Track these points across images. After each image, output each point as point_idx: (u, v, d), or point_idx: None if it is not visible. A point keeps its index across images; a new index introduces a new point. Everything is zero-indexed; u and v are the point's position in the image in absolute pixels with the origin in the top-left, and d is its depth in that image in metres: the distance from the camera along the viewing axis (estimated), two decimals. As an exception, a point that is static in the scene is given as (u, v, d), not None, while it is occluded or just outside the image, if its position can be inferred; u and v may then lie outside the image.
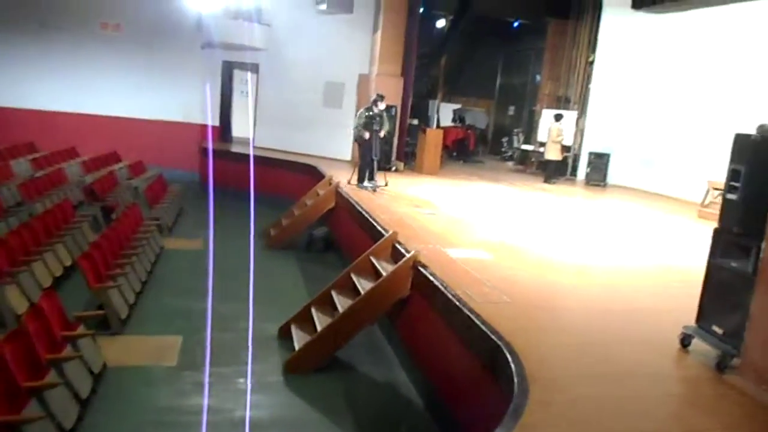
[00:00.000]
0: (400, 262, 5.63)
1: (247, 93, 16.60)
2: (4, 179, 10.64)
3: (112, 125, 15.85)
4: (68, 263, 7.31)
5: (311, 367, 5.57)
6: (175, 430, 4.55)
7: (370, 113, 10.41)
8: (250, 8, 14.51)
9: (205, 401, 4.95)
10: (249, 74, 16.48)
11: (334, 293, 6.19)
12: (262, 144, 15.57)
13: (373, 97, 10.75)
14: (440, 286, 4.88)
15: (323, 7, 14.13)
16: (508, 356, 3.62)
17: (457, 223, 8.22)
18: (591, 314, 4.82)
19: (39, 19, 15.04)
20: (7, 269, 6.08)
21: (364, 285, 5.94)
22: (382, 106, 10.59)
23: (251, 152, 14.91)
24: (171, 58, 15.75)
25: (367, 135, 10.34)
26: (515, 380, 3.37)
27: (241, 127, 16.98)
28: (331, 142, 14.79)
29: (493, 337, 3.89)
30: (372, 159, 10.48)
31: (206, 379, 5.22)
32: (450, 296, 4.64)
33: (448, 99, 21.28)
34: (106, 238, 7.31)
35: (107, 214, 10.15)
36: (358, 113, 10.85)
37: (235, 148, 15.57)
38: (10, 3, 14.81)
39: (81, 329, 5.02)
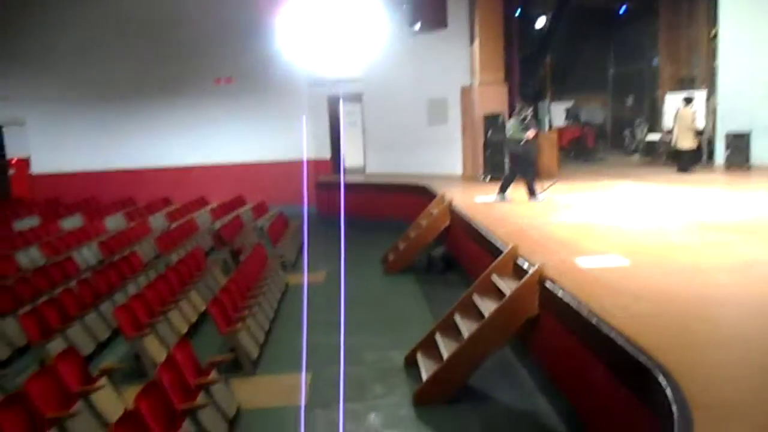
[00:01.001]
0: (524, 279, 5.22)
1: (353, 123, 16.90)
2: (143, 234, 11.53)
3: (234, 171, 16.84)
4: (202, 309, 7.65)
5: (441, 397, 5.29)
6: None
7: (522, 117, 9.96)
8: (347, 41, 14.82)
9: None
10: (352, 104, 16.81)
11: (457, 317, 5.89)
12: (373, 170, 15.73)
13: (518, 107, 10.51)
14: (571, 303, 4.42)
15: (417, 27, 14.08)
16: (661, 378, 3.13)
17: (585, 227, 7.58)
18: (756, 326, 4.10)
19: (159, 85, 16.41)
20: (146, 321, 6.44)
21: (487, 307, 5.59)
22: (525, 113, 10.08)
23: (342, 180, 15.07)
24: (279, 102, 16.49)
25: (531, 133, 9.78)
26: (673, 407, 2.88)
27: (352, 156, 17.32)
28: (440, 160, 14.61)
29: (639, 357, 3.40)
30: (529, 170, 9.98)
31: (341, 418, 5.12)
32: (584, 313, 4.18)
33: (557, 98, 20.38)
34: (234, 281, 7.58)
35: (235, 256, 10.63)
36: (509, 124, 10.38)
37: (349, 179, 15.85)
38: (131, 73, 16.30)
39: (213, 375, 5.13)
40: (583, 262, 5.54)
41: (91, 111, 16.42)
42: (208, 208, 14.87)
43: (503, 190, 10.03)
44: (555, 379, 5.10)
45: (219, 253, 10.98)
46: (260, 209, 14.90)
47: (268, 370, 6.31)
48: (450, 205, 9.95)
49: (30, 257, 10.06)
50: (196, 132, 16.80)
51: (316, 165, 16.58)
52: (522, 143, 9.81)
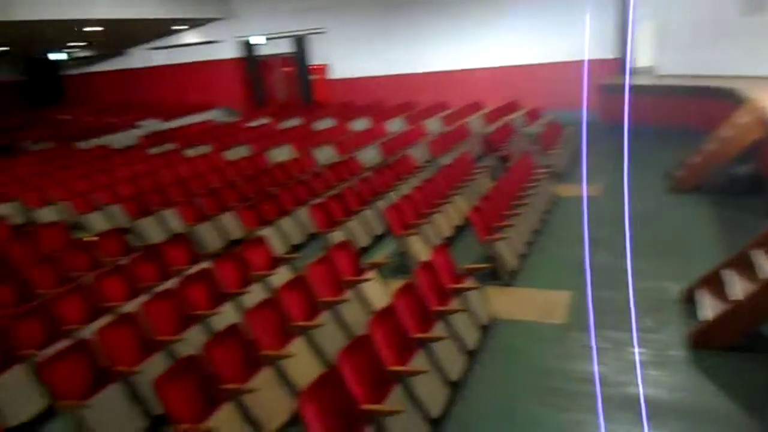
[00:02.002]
0: None
1: (644, 17, 14.71)
2: (419, 137, 12.05)
3: (512, 74, 16.33)
4: (466, 214, 7.75)
5: (724, 343, 4.52)
6: (563, 398, 4.26)
7: None
8: None
9: (596, 369, 4.53)
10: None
11: (755, 253, 4.86)
12: (666, 71, 13.67)
13: None
14: None
15: None
16: None
17: None
18: None
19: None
20: (413, 221, 6.77)
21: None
22: None
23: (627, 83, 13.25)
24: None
25: None
26: None
27: (642, 55, 15.28)
28: (755, 57, 11.92)
29: None
30: None
31: (594, 345, 4.78)
32: None
33: None
34: (497, 189, 7.46)
35: (504, 163, 10.46)
36: None
37: (638, 80, 14.09)
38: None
39: (470, 281, 5.18)
40: None
41: (379, 19, 17.34)
42: (482, 113, 14.81)
43: None
44: None
45: (487, 159, 10.93)
46: (532, 115, 14.30)
47: (526, 282, 6.15)
48: (764, 113, 8.12)
49: (325, 155, 11.35)
50: (473, 35, 16.58)
51: (599, 65, 15.08)
52: None
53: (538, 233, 7.43)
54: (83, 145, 13.98)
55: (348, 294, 5.12)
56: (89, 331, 4.60)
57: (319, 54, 18.58)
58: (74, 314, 5.04)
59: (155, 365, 4.31)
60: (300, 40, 18.40)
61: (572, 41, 15.07)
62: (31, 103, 22.75)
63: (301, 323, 4.59)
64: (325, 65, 18.67)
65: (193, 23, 18.70)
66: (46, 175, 10.31)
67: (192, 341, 4.57)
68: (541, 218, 7.82)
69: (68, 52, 21.26)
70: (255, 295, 5.31)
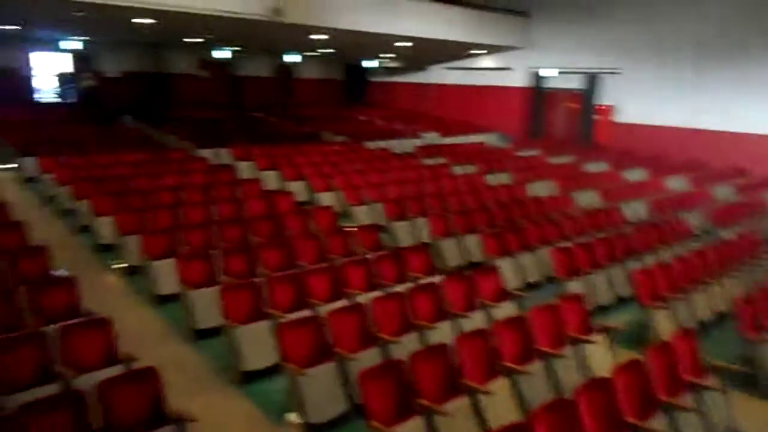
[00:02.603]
0: None
1: None
2: (700, 201, 10.73)
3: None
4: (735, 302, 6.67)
5: None
6: None
7: None
8: None
9: None
10: None
11: None
12: None
13: None
14: None
15: None
16: None
17: None
18: None
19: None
20: (666, 294, 6.07)
21: None
22: None
23: None
24: None
25: None
26: None
27: None
28: None
29: None
30: None
31: None
32: None
33: None
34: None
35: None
36: None
37: None
38: (732, 27, 14.63)
39: (713, 381, 4.46)
40: None
41: (687, 65, 15.81)
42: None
43: None
44: None
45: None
46: None
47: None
48: None
49: (587, 199, 10.84)
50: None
51: None
52: None
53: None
54: (370, 145, 15.61)
55: (567, 350, 4.83)
56: (324, 309, 5.16)
57: (607, 94, 17.75)
58: (320, 291, 5.69)
59: (368, 357, 4.64)
60: (592, 78, 17.83)
61: None
62: (348, 100, 26.26)
63: (510, 364, 4.48)
64: (611, 106, 17.77)
65: (492, 49, 19.46)
66: (332, 164, 11.79)
67: (405, 346, 4.80)
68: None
69: (379, 61, 23.95)
70: (473, 321, 5.35)
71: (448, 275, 6.08)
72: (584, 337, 5.02)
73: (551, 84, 19.25)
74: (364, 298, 5.50)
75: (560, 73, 18.63)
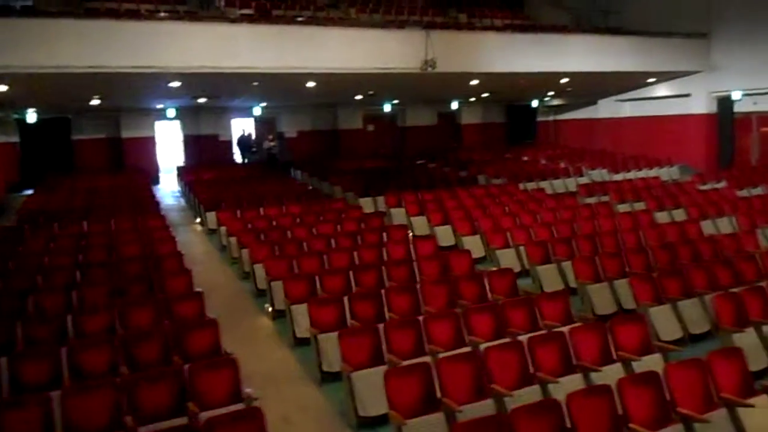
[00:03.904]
0: None
1: None
2: None
3: None
4: None
5: None
6: None
7: None
8: None
9: None
10: None
11: None
12: None
13: None
14: None
15: None
16: None
17: None
18: None
19: None
20: None
21: None
22: None
23: None
24: None
25: None
26: None
27: None
28: None
29: None
30: None
31: None
32: None
33: None
34: None
35: None
36: None
37: None
38: None
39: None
40: None
41: None
42: None
43: None
44: None
45: None
46: None
47: None
48: None
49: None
50: None
51: None
52: None
53: None
54: (528, 186, 15.11)
55: (715, 414, 4.11)
56: (443, 355, 5.03)
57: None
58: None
59: (479, 409, 4.36)
60: (789, 97, 15.55)
61: None
62: (510, 142, 25.95)
63: (638, 428, 3.93)
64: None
65: (663, 76, 17.93)
66: (482, 208, 11.59)
67: (520, 398, 4.45)
68: None
69: (541, 99, 23.36)
70: (605, 375, 4.79)
71: (585, 323, 5.58)
72: (740, 400, 4.23)
73: (741, 108, 17.15)
74: (485, 345, 5.25)
75: (748, 95, 16.55)
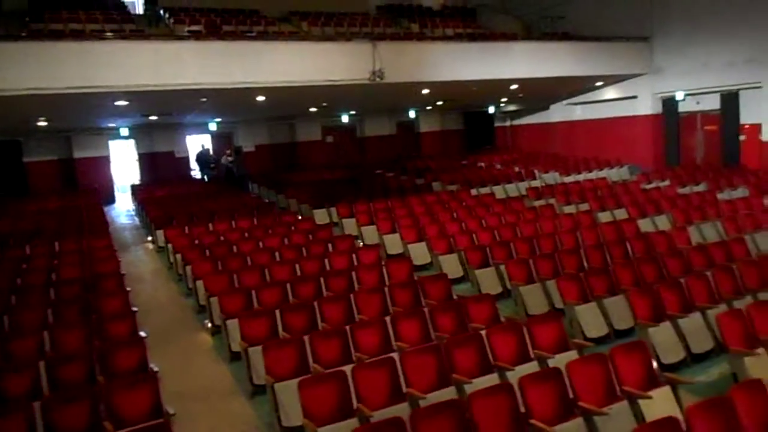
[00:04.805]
0: None
1: None
2: None
3: None
4: None
5: None
6: None
7: None
8: None
9: None
10: None
11: None
12: None
13: None
14: None
15: None
16: None
17: None
18: None
19: None
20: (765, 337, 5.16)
21: None
22: None
23: None
24: None
25: None
26: None
27: None
28: None
29: None
30: None
31: None
32: None
33: None
34: None
35: None
36: None
37: None
38: None
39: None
40: None
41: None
42: None
43: None
44: None
45: None
46: None
47: None
48: None
49: (706, 232, 9.70)
50: None
51: None
52: None
53: None
54: (482, 191, 15.36)
55: (615, 407, 4.27)
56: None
57: (749, 112, 15.83)
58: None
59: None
60: (727, 97, 16.05)
61: None
62: (469, 148, 26.26)
63: (538, 423, 4.07)
64: (758, 125, 15.77)
65: (610, 79, 18.41)
66: (431, 215, 11.76)
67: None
68: None
69: (497, 106, 23.75)
70: (519, 373, 4.92)
71: (505, 323, 5.73)
72: (638, 393, 4.40)
73: (686, 108, 17.71)
74: (410, 350, 5.33)
75: (690, 95, 17.11)
